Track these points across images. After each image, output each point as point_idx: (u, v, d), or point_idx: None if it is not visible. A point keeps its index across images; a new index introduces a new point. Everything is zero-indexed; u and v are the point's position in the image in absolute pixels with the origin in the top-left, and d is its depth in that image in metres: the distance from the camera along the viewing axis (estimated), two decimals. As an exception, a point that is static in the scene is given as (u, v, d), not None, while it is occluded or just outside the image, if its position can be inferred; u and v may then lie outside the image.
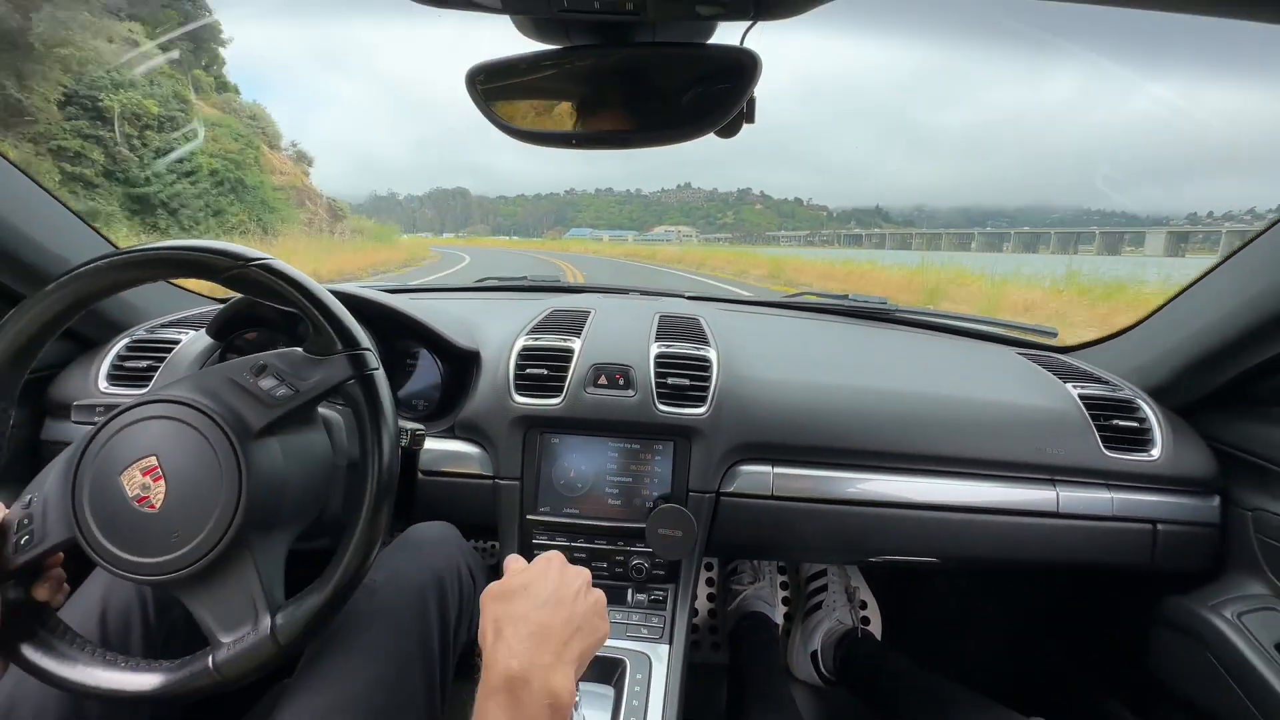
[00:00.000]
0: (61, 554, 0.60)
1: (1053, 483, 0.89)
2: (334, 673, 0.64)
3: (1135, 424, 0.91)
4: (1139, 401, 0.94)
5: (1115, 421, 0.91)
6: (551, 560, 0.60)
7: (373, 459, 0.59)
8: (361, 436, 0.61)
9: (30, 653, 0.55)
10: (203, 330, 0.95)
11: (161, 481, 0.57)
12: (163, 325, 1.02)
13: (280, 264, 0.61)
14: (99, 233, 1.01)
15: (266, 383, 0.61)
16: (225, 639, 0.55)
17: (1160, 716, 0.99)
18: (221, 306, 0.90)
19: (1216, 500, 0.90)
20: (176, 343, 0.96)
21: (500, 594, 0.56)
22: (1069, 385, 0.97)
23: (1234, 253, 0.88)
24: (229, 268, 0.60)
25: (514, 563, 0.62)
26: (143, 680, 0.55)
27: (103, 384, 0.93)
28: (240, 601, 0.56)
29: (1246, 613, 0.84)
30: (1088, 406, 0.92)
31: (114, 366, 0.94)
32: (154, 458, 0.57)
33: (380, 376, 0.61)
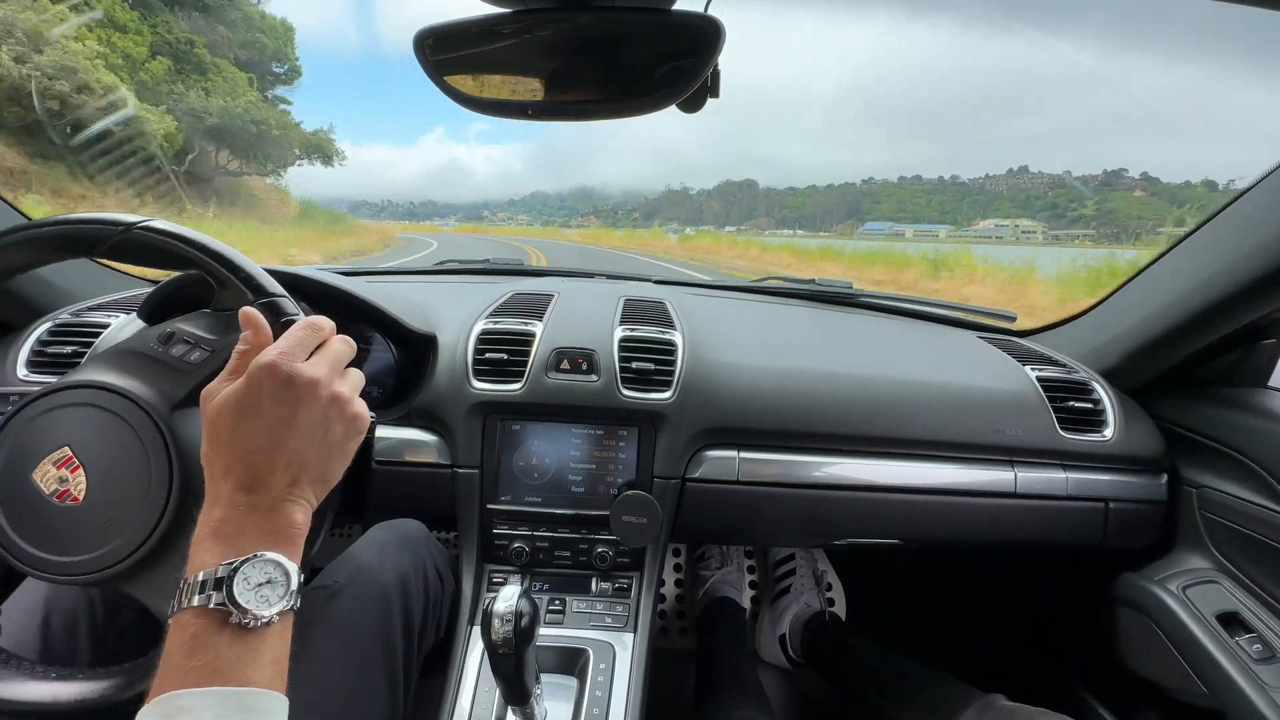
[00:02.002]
0: None
1: (1011, 464, 0.90)
2: (295, 678, 0.61)
3: (1089, 405, 0.94)
4: (1093, 383, 0.97)
5: (1070, 403, 0.93)
6: (295, 388, 0.46)
7: None
8: None
9: None
10: (134, 314, 0.88)
11: (80, 471, 0.53)
12: (90, 308, 0.95)
13: (164, 222, 0.57)
14: (13, 207, 0.93)
15: (178, 349, 0.57)
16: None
17: (1112, 690, 1.02)
18: (153, 288, 0.84)
19: (1164, 478, 0.93)
20: (105, 326, 0.89)
21: (219, 439, 0.46)
22: (1027, 368, 0.98)
23: (1183, 239, 0.90)
24: (109, 236, 0.56)
25: (271, 347, 0.48)
26: (100, 688, 0.52)
27: (22, 371, 0.86)
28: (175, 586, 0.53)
29: (1190, 585, 0.87)
30: (1044, 388, 0.94)
31: (35, 352, 0.87)
32: (66, 448, 0.53)
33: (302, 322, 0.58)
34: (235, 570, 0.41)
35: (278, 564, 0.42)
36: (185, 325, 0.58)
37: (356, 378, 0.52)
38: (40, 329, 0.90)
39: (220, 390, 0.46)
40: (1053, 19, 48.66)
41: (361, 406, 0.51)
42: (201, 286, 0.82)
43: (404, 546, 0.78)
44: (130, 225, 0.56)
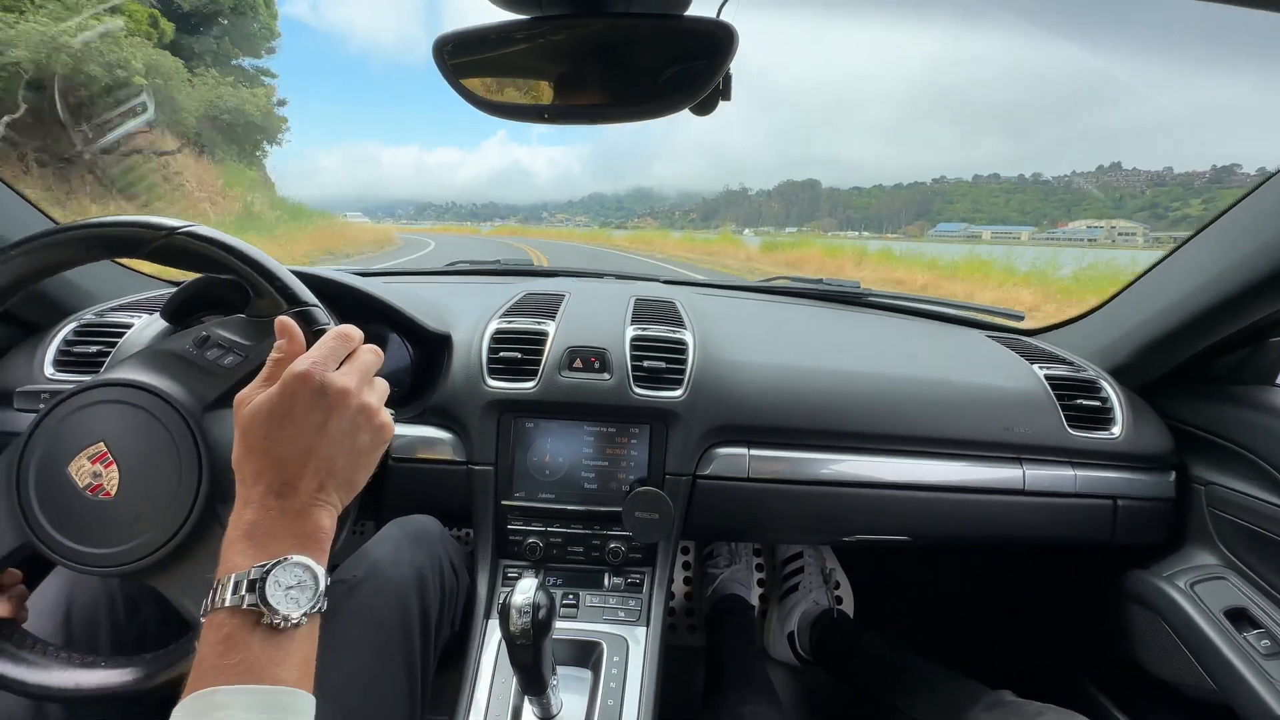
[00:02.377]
0: (16, 570, 0.57)
1: (1019, 461, 0.91)
2: (317, 669, 0.63)
3: (1098, 403, 0.94)
4: (1101, 381, 0.97)
5: (1079, 401, 0.93)
6: (326, 398, 0.47)
7: None
8: None
9: None
10: (156, 314, 0.90)
11: (114, 467, 0.54)
12: (113, 309, 0.97)
13: (207, 229, 0.59)
14: (43, 212, 0.96)
15: (213, 353, 0.59)
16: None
17: (1122, 686, 1.03)
18: (176, 289, 0.86)
19: (1172, 476, 0.94)
20: (128, 326, 0.91)
21: (251, 446, 0.47)
22: (1035, 366, 0.99)
23: (1191, 237, 0.90)
24: (153, 239, 0.57)
25: (304, 356, 0.49)
26: (122, 676, 0.53)
27: (49, 370, 0.88)
28: (212, 580, 0.54)
29: (1198, 582, 0.88)
30: (1053, 387, 0.95)
31: (61, 352, 0.90)
32: (101, 444, 0.55)
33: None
34: (268, 573, 0.42)
35: (307, 567, 0.44)
36: (220, 330, 0.60)
37: (383, 387, 0.54)
38: (66, 329, 0.92)
39: (254, 397, 0.47)
40: (1151, -3, 40.23)
41: (387, 417, 0.52)
42: (225, 288, 0.84)
43: (420, 542, 0.80)
44: (174, 230, 0.58)
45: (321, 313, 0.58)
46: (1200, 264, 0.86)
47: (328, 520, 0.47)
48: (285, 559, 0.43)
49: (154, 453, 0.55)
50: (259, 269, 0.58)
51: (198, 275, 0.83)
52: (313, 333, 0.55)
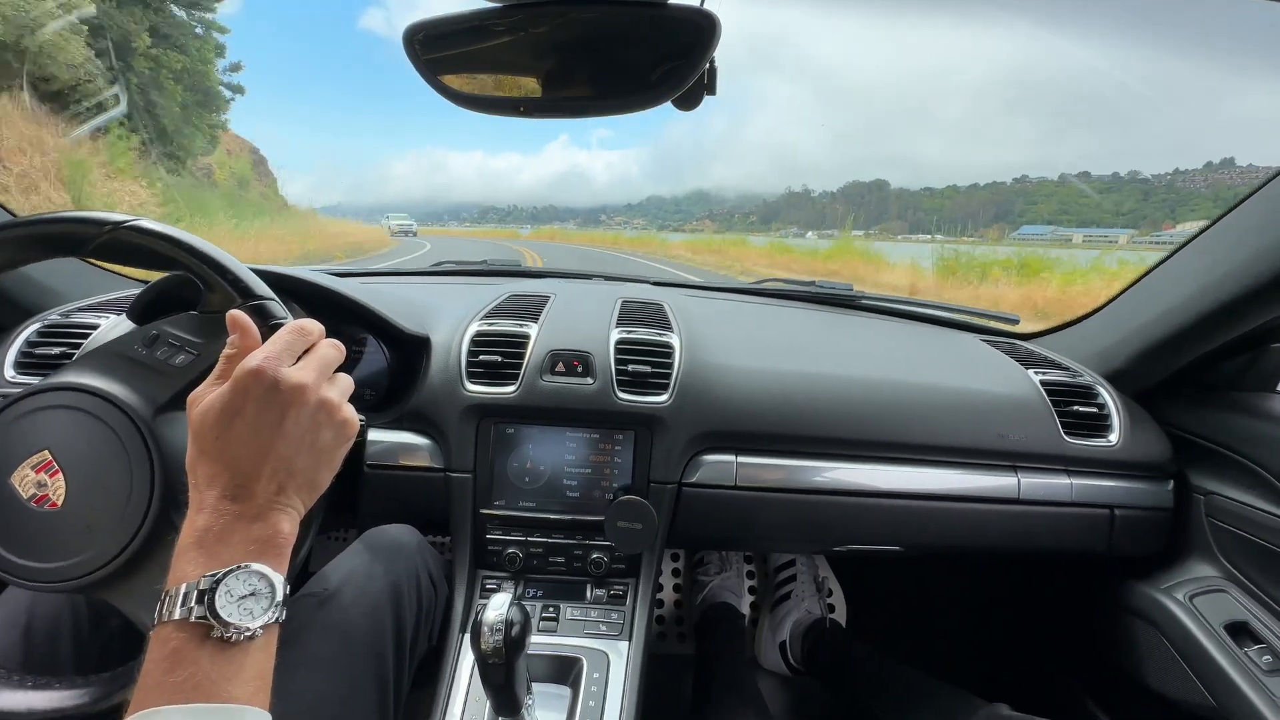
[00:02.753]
0: None
1: (1014, 469, 0.88)
2: (282, 688, 0.60)
3: (1094, 410, 0.92)
4: (1098, 388, 0.95)
5: (1075, 407, 0.91)
6: (282, 395, 0.45)
7: None
8: None
9: None
10: (123, 315, 0.87)
11: (59, 476, 0.52)
12: (80, 309, 0.94)
13: (152, 222, 0.56)
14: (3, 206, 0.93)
15: (162, 352, 0.56)
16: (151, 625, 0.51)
17: (1119, 701, 1.01)
18: (142, 289, 0.83)
19: (1170, 485, 0.91)
20: (94, 327, 0.88)
21: (204, 446, 0.44)
22: (1030, 371, 0.97)
23: (1188, 241, 0.89)
24: (95, 235, 0.54)
25: (256, 351, 0.47)
26: (77, 697, 0.50)
27: (9, 372, 0.85)
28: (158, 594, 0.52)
29: (1197, 594, 0.85)
30: (1048, 392, 0.92)
31: (22, 354, 0.86)
32: (46, 452, 0.52)
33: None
34: (218, 582, 0.39)
35: (262, 575, 0.41)
36: (171, 327, 0.57)
37: (345, 383, 0.51)
38: (28, 330, 0.89)
39: (206, 395, 0.45)
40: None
41: (351, 412, 0.49)
42: (193, 287, 0.81)
43: (396, 553, 0.77)
44: (116, 225, 0.55)
45: (277, 306, 0.56)
46: (1200, 268, 0.84)
47: (288, 524, 0.44)
48: (239, 567, 0.40)
49: (103, 459, 0.52)
50: (209, 262, 0.55)
51: (165, 275, 0.80)
52: (268, 327, 0.53)
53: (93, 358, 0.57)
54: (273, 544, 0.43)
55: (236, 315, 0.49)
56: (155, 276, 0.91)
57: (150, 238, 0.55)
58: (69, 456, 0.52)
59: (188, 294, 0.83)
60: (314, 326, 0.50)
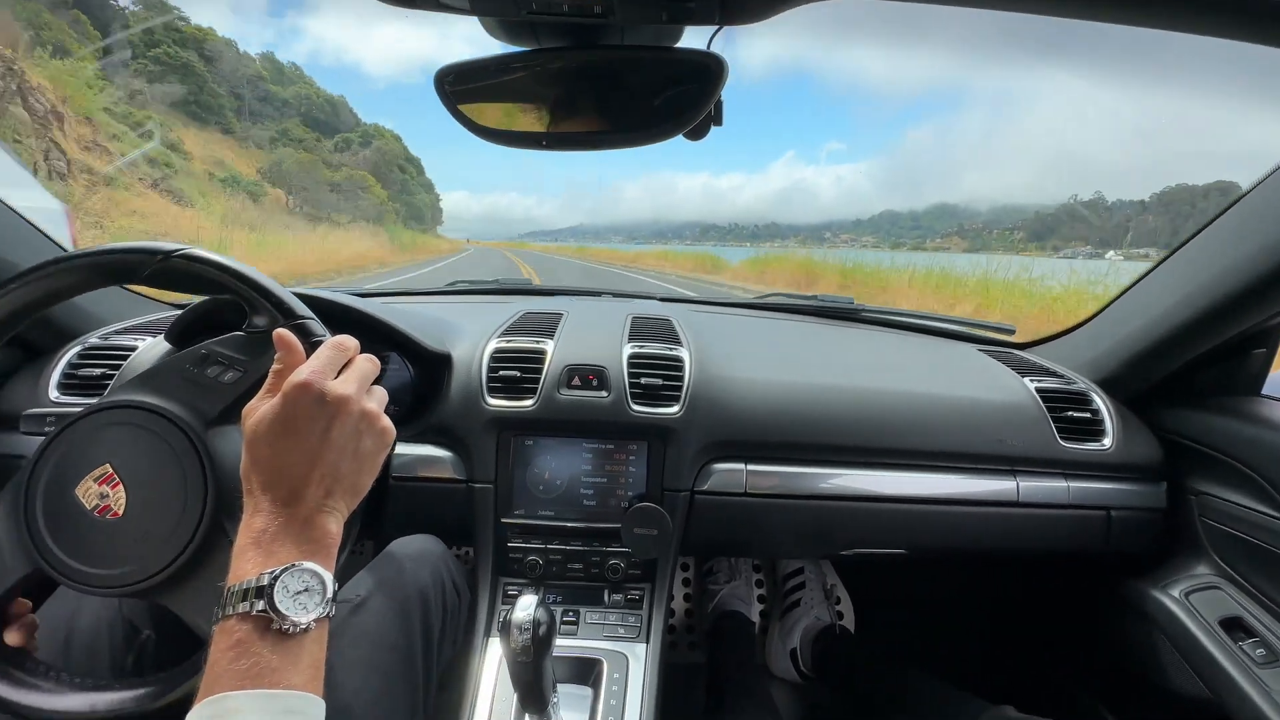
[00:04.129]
0: (26, 600, 0.58)
1: (1013, 473, 0.92)
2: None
3: (1088, 415, 0.96)
4: (1091, 394, 0.99)
5: (1069, 413, 0.95)
6: (329, 406, 0.49)
7: None
8: None
9: (8, 693, 0.53)
10: (160, 336, 0.92)
11: (120, 487, 0.55)
12: (118, 331, 0.99)
13: (201, 250, 0.60)
14: (48, 237, 0.98)
15: (213, 370, 0.60)
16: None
17: (1121, 697, 1.03)
18: (180, 311, 0.87)
19: (1164, 486, 0.95)
20: (133, 349, 0.92)
21: (257, 454, 0.48)
22: (1026, 379, 1.01)
23: (1175, 250, 0.93)
24: (147, 264, 0.59)
25: (303, 366, 0.51)
26: (136, 696, 0.54)
27: (54, 393, 0.89)
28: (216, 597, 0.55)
29: (1193, 591, 0.88)
30: (1044, 399, 0.96)
31: (65, 375, 0.91)
32: (108, 465, 0.56)
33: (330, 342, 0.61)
34: (276, 579, 0.43)
35: (314, 573, 0.45)
36: (219, 347, 0.61)
37: (381, 394, 0.55)
38: (70, 352, 0.93)
39: (258, 408, 0.49)
40: None
41: (388, 421, 0.53)
42: (228, 309, 0.85)
43: (422, 561, 0.80)
44: (169, 253, 0.60)
45: (317, 325, 0.60)
46: (1183, 278, 0.88)
47: (334, 525, 0.48)
48: (293, 565, 0.44)
49: (159, 471, 0.56)
50: (255, 286, 0.60)
51: (202, 298, 0.85)
52: (310, 344, 0.57)
53: (147, 376, 0.60)
54: (322, 544, 0.47)
55: (283, 334, 0.52)
56: (191, 300, 0.95)
57: (201, 265, 0.60)
58: (128, 469, 0.55)
59: (223, 316, 0.88)
60: (351, 343, 0.55)
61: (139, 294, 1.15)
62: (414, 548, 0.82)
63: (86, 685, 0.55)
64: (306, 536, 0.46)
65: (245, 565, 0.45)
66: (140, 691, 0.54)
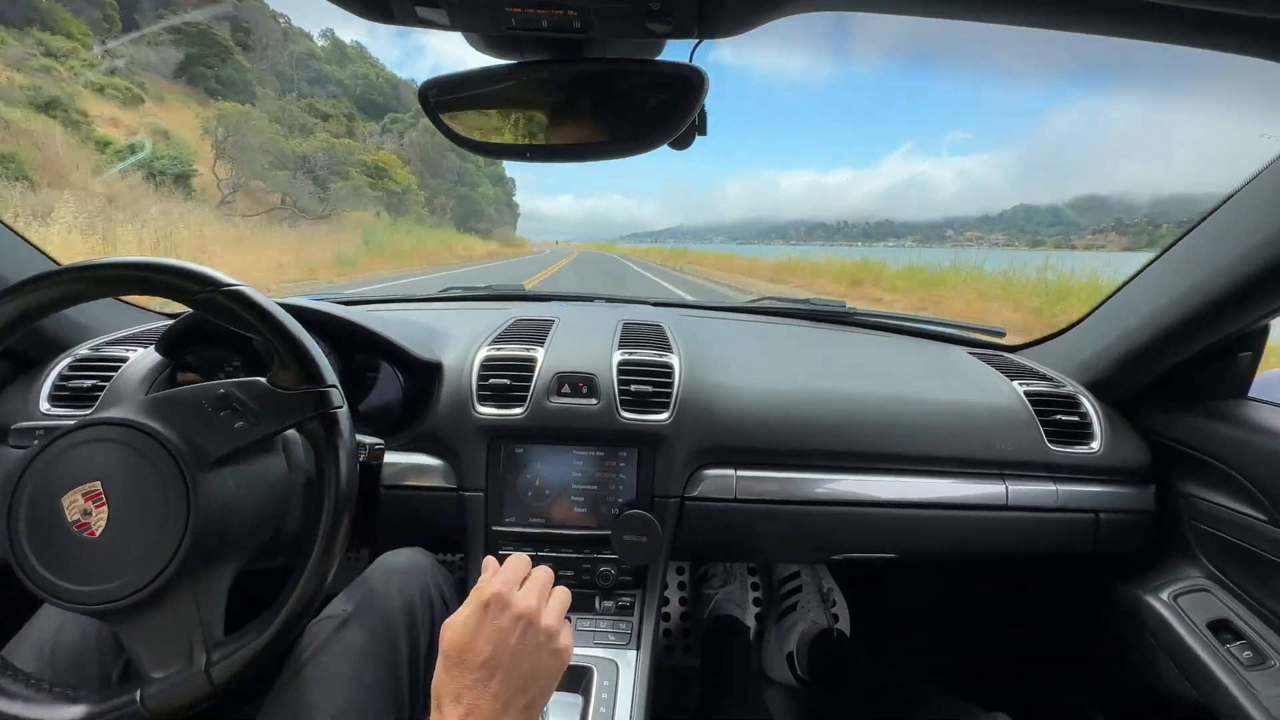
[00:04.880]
0: None
1: (1002, 477, 0.92)
2: (300, 707, 0.63)
3: (1076, 418, 0.96)
4: (1080, 397, 0.99)
5: (1058, 416, 0.95)
6: (519, 619, 0.52)
7: (327, 501, 0.59)
8: (319, 472, 0.60)
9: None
10: (151, 347, 0.92)
11: (104, 508, 0.55)
12: (108, 343, 0.99)
13: (251, 291, 0.60)
14: (39, 250, 0.98)
15: (225, 413, 0.59)
16: (157, 674, 0.54)
17: (1114, 700, 1.03)
18: (171, 322, 0.87)
19: (1152, 489, 0.95)
20: (124, 360, 0.93)
21: (452, 662, 0.51)
22: (1015, 383, 1.01)
23: (1161, 254, 0.93)
24: (196, 292, 0.58)
25: (490, 577, 0.55)
26: (64, 713, 0.54)
27: (44, 405, 0.89)
28: (176, 637, 0.55)
29: (1181, 594, 0.89)
30: (1032, 403, 0.97)
31: (56, 386, 0.91)
32: (98, 483, 0.56)
33: (343, 415, 0.61)
34: None
35: None
36: (239, 391, 0.60)
37: (563, 603, 0.57)
38: (61, 364, 0.93)
39: (455, 620, 0.52)
40: None
41: (569, 639, 0.56)
42: (216, 323, 0.85)
43: (410, 575, 0.80)
44: (219, 286, 0.59)
45: (337, 394, 0.61)
46: (1168, 282, 0.89)
47: None
48: None
49: (144, 500, 0.55)
50: (289, 343, 0.60)
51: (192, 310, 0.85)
52: (325, 414, 0.59)
53: (162, 402, 0.60)
54: None
55: (490, 559, 0.57)
56: (184, 310, 0.95)
57: (245, 307, 0.59)
58: (116, 491, 0.55)
59: (214, 327, 0.88)
60: (525, 559, 0.58)
61: (129, 303, 1.15)
62: (401, 561, 0.82)
63: (80, 698, 0.55)
64: None
65: None
66: (62, 709, 0.54)
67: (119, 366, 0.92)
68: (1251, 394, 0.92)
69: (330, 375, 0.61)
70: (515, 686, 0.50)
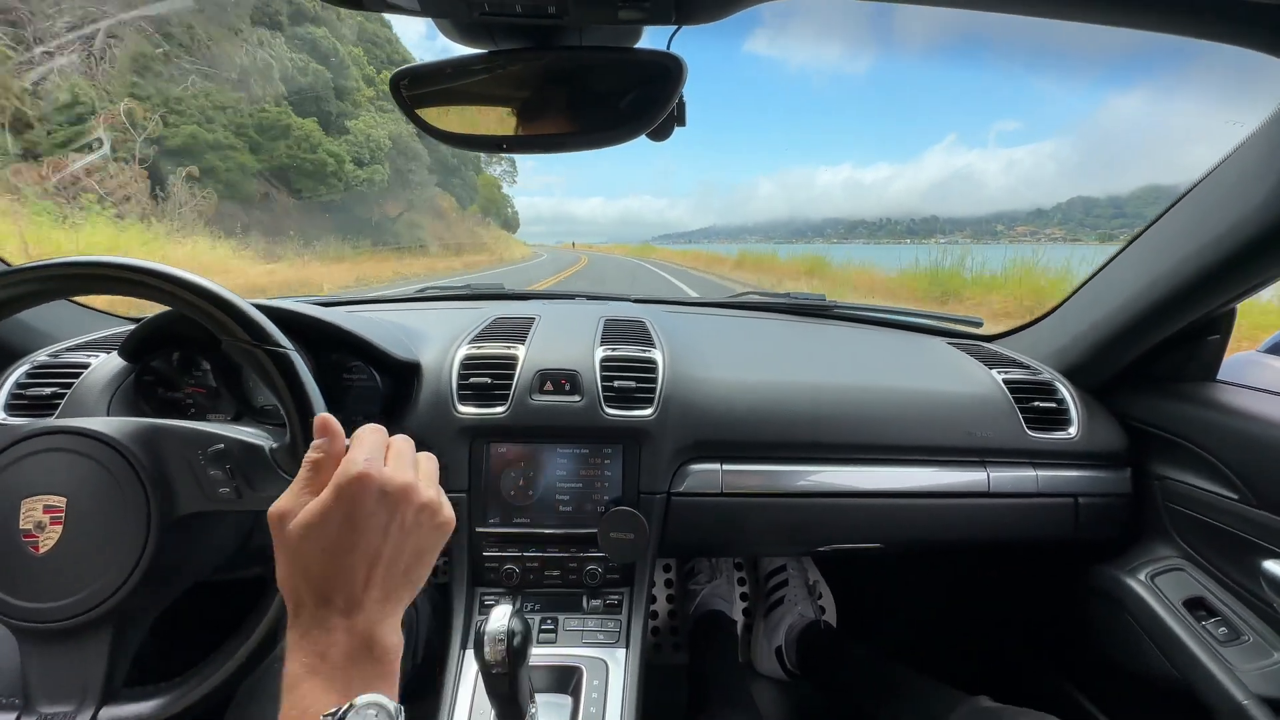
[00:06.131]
0: None
1: (983, 464, 0.93)
2: (262, 713, 0.61)
3: (1054, 405, 0.98)
4: (1056, 383, 1.01)
5: (1036, 403, 0.97)
6: (388, 498, 0.44)
7: None
8: None
9: None
10: (114, 352, 0.88)
11: (59, 527, 0.53)
12: (69, 349, 0.95)
13: (297, 361, 0.56)
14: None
15: (215, 472, 0.56)
16: (42, 709, 0.52)
17: (1095, 680, 1.05)
18: (135, 326, 0.84)
19: (1128, 472, 0.97)
20: (85, 366, 0.89)
21: (312, 559, 0.42)
22: (994, 371, 1.02)
23: (1131, 241, 0.95)
24: (243, 340, 0.55)
25: (354, 454, 0.45)
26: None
27: (1, 414, 0.85)
28: (74, 678, 0.53)
29: (1158, 574, 0.91)
30: (1011, 390, 0.98)
31: (13, 395, 0.87)
32: (64, 500, 0.53)
33: None
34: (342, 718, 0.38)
35: (380, 707, 0.39)
36: (239, 452, 0.56)
37: (433, 469, 0.50)
38: (18, 371, 0.89)
39: (297, 507, 0.42)
40: None
41: (449, 509, 0.48)
42: (183, 325, 0.82)
43: None
44: (263, 344, 0.55)
45: (294, 355, 0.57)
46: (1139, 268, 0.90)
47: (396, 637, 0.43)
48: (353, 705, 0.39)
49: (101, 535, 0.53)
50: (307, 421, 0.56)
51: (158, 313, 0.82)
52: (292, 371, 0.55)
53: (158, 430, 0.57)
54: (386, 665, 0.42)
55: (327, 420, 0.46)
56: (148, 313, 0.92)
57: (280, 370, 0.55)
58: (77, 515, 0.53)
59: (177, 330, 0.85)
60: (381, 427, 0.49)
61: (90, 307, 1.10)
62: None
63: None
64: (369, 657, 0.41)
65: (304, 698, 0.39)
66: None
67: (80, 373, 0.88)
68: (1220, 376, 0.95)
69: (278, 334, 0.57)
70: (396, 573, 0.44)
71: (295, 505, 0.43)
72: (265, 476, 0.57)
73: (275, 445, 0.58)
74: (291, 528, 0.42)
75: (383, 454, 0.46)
